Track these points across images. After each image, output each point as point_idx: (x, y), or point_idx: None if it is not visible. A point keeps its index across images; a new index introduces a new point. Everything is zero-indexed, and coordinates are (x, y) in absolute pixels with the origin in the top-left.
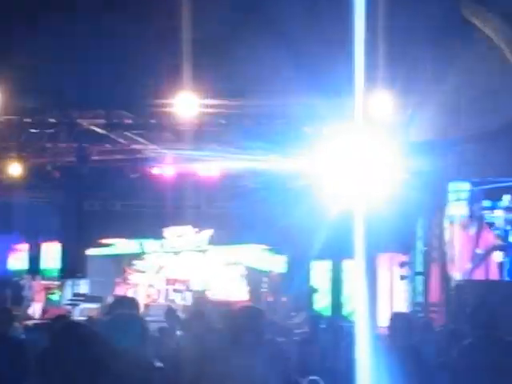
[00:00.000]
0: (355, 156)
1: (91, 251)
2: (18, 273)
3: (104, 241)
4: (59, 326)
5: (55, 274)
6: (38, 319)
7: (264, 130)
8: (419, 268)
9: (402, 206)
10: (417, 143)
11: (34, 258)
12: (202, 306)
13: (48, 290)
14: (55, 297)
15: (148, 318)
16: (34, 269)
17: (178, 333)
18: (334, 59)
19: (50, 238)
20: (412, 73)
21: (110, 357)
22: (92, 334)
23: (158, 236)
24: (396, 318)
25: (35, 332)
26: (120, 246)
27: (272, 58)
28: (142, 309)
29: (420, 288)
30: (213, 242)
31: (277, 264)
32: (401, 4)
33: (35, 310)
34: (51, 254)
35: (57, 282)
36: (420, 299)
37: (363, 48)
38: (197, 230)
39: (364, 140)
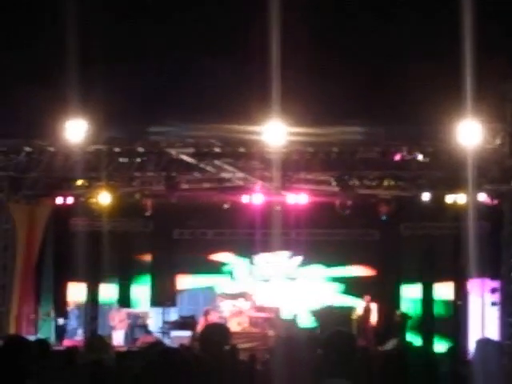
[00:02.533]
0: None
1: (182, 283)
2: (108, 304)
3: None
4: (155, 352)
5: (146, 302)
6: (129, 347)
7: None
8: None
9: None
10: (508, 168)
11: (124, 288)
12: (291, 333)
13: (135, 318)
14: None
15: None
16: (125, 299)
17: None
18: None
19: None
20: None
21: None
22: (186, 360)
23: (248, 263)
24: (483, 343)
25: (127, 359)
26: (210, 277)
27: (363, 86)
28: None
29: None
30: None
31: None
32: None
33: (117, 337)
34: (142, 283)
35: (146, 310)
36: None
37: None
38: (286, 257)
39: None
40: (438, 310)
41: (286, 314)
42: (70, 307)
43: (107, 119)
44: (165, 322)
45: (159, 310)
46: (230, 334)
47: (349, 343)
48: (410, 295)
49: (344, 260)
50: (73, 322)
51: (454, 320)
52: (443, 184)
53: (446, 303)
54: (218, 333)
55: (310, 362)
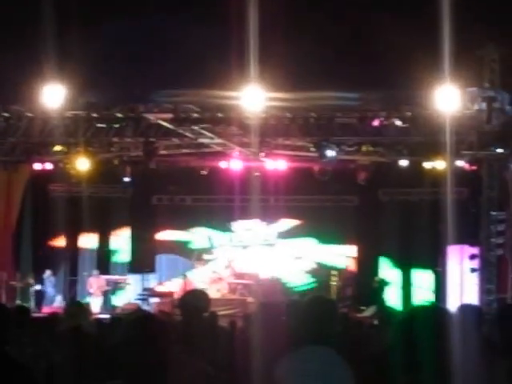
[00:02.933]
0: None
1: (161, 236)
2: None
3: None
4: (135, 319)
5: (125, 267)
6: (108, 313)
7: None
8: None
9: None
10: (486, 134)
11: (104, 253)
12: (271, 298)
13: (114, 284)
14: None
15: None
16: (103, 265)
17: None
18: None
19: (119, 232)
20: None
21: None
22: (166, 327)
23: (226, 230)
24: (465, 309)
25: (107, 326)
26: (190, 235)
27: (340, 51)
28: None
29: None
30: (281, 235)
31: (345, 258)
32: None
33: (95, 304)
34: (121, 248)
35: (125, 277)
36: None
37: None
38: (265, 223)
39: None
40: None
41: (269, 277)
42: (46, 274)
43: (85, 84)
44: (144, 289)
45: (138, 276)
46: (209, 300)
47: (329, 310)
48: (389, 267)
49: (323, 228)
50: (50, 290)
51: (434, 288)
52: (421, 150)
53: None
54: (197, 299)
55: (289, 328)
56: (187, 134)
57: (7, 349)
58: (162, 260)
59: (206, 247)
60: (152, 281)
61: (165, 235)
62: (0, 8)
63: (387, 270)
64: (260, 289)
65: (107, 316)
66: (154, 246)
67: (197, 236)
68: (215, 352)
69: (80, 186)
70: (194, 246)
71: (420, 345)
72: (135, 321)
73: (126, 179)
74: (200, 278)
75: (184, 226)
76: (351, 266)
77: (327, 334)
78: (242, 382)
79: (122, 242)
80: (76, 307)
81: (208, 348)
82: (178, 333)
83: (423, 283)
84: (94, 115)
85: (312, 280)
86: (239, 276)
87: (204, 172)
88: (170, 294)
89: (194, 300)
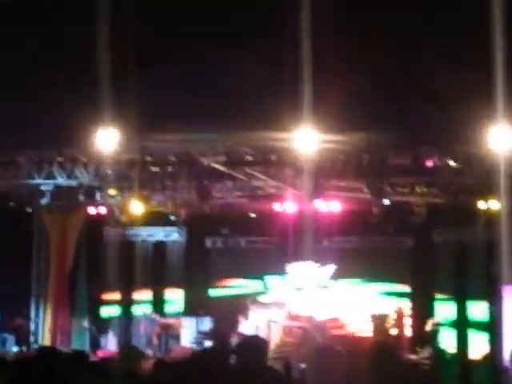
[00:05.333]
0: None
1: (215, 292)
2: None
3: (227, 282)
4: (191, 364)
5: (179, 311)
6: (163, 357)
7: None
8: None
9: None
10: None
11: (159, 295)
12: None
13: (168, 328)
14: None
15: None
16: (159, 305)
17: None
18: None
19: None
20: None
21: None
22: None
23: (281, 272)
24: None
25: (162, 370)
26: (243, 286)
27: (393, 91)
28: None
29: None
30: (335, 277)
31: (400, 300)
32: None
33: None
34: (175, 291)
35: (178, 320)
36: None
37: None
38: (318, 265)
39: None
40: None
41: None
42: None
43: (139, 128)
44: (198, 332)
45: (193, 319)
46: (267, 347)
47: (392, 357)
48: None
49: (377, 270)
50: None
51: (489, 327)
52: (475, 190)
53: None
54: (255, 346)
55: (348, 372)
56: (240, 176)
57: None
58: (216, 303)
59: (260, 291)
60: (206, 324)
61: (217, 291)
62: (55, 51)
63: (442, 311)
64: (316, 330)
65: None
66: (208, 291)
67: (250, 284)
68: None
69: (134, 229)
70: (249, 291)
71: None
72: (190, 366)
73: (180, 223)
74: (254, 321)
75: (238, 269)
76: (406, 308)
77: (389, 379)
78: None
79: (176, 292)
80: (130, 350)
81: None
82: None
83: (478, 323)
84: (148, 159)
85: (368, 322)
86: (294, 318)
87: (254, 215)
88: (223, 337)
89: (252, 347)
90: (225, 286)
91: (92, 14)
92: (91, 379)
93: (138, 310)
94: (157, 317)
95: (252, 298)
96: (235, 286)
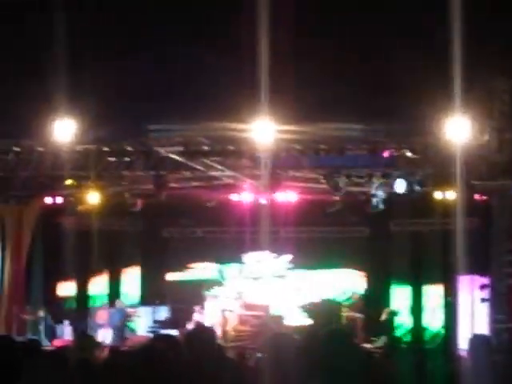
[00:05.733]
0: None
1: (172, 276)
2: (98, 299)
3: (184, 267)
4: (144, 352)
5: (135, 300)
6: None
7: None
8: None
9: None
10: (496, 164)
11: (114, 285)
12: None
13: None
14: (133, 324)
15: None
16: (114, 295)
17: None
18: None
19: (130, 266)
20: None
21: None
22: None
23: (237, 262)
24: (476, 339)
25: (117, 359)
26: (200, 271)
27: (350, 82)
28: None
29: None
30: (291, 267)
31: (355, 289)
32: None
33: (105, 336)
34: (131, 281)
35: (136, 309)
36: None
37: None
38: (275, 255)
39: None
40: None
41: (275, 311)
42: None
43: (95, 119)
44: (154, 321)
45: (148, 309)
46: (215, 337)
47: (348, 344)
48: (400, 297)
49: (333, 259)
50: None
51: (444, 317)
52: (432, 180)
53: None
54: (204, 336)
55: (302, 360)
56: (198, 166)
57: (17, 382)
58: (172, 290)
59: (217, 280)
60: (162, 313)
61: (174, 276)
62: (12, 42)
63: (398, 299)
64: (270, 320)
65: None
66: (164, 281)
67: (207, 271)
68: None
69: (90, 219)
70: (205, 277)
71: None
72: (144, 354)
73: (136, 212)
74: (210, 310)
75: (195, 259)
76: (362, 296)
77: (344, 368)
78: None
79: (132, 277)
80: (86, 339)
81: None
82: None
83: (434, 310)
84: (105, 149)
85: (323, 311)
86: (250, 307)
87: (213, 204)
88: (180, 326)
89: (201, 337)
90: (183, 270)
91: (51, 3)
92: (46, 368)
93: (93, 300)
94: (123, 306)
95: (208, 286)
96: (194, 271)
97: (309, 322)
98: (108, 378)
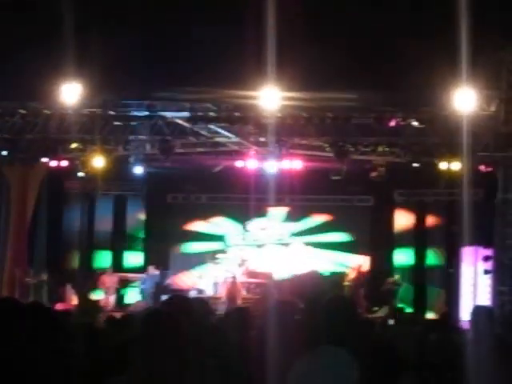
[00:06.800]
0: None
1: (177, 249)
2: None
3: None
4: (148, 317)
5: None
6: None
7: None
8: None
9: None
10: (503, 135)
11: (118, 253)
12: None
13: (127, 282)
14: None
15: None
16: (118, 264)
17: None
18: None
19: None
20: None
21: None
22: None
23: (243, 221)
24: (478, 311)
25: (120, 324)
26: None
27: (358, 51)
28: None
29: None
30: (295, 234)
31: (359, 259)
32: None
33: (108, 301)
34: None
35: (138, 275)
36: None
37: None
38: (279, 222)
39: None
40: (429, 277)
41: (278, 278)
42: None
43: (102, 82)
44: (157, 287)
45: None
46: (210, 309)
47: (350, 311)
48: (402, 261)
49: (337, 226)
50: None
51: (446, 288)
52: (437, 151)
53: (438, 268)
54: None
55: (305, 327)
56: (203, 132)
57: (23, 345)
58: (176, 258)
59: (221, 248)
60: (165, 279)
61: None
62: (18, 6)
63: (401, 266)
64: (275, 287)
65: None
66: (168, 243)
67: (215, 227)
68: (226, 351)
69: (95, 183)
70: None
71: (431, 347)
72: (145, 319)
73: (141, 176)
74: (213, 276)
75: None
76: (365, 266)
77: (345, 336)
78: (256, 382)
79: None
80: (89, 304)
81: (219, 348)
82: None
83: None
84: (111, 113)
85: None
86: (253, 275)
87: (217, 169)
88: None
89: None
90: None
91: None
92: (49, 331)
93: (98, 263)
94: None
95: (211, 254)
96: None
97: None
98: (109, 342)
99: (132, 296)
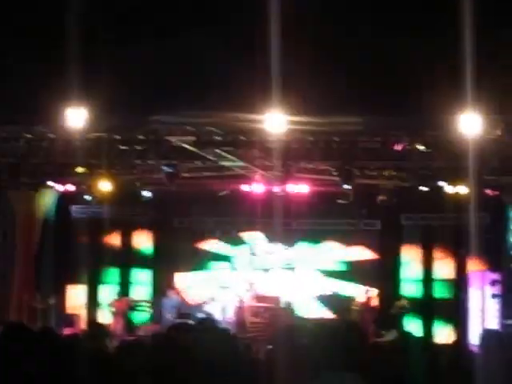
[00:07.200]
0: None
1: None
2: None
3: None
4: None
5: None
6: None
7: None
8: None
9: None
10: (509, 159)
11: (125, 278)
12: (292, 322)
13: (137, 305)
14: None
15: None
16: (125, 288)
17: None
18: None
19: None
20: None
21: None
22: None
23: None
24: (487, 335)
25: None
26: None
27: (364, 75)
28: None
29: None
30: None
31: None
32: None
33: (117, 326)
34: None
35: (145, 299)
36: None
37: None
38: (286, 247)
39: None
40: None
41: (284, 303)
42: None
43: (108, 107)
44: (166, 311)
45: (160, 298)
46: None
47: (358, 336)
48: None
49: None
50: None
51: (456, 312)
52: (444, 175)
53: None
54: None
55: (311, 352)
56: (209, 156)
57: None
58: (183, 278)
59: (228, 272)
60: (174, 303)
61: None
62: (24, 30)
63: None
64: (281, 312)
65: (129, 338)
66: (175, 265)
67: (222, 250)
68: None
69: (102, 207)
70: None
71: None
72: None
73: (147, 199)
74: (222, 300)
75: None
76: (374, 291)
77: (354, 361)
78: None
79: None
80: (97, 328)
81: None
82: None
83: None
84: (117, 137)
85: (334, 303)
86: (261, 299)
87: (223, 193)
88: (189, 317)
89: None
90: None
91: None
92: (58, 356)
93: (105, 290)
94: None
95: (219, 278)
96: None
97: (319, 313)
98: (119, 367)
99: (141, 319)
